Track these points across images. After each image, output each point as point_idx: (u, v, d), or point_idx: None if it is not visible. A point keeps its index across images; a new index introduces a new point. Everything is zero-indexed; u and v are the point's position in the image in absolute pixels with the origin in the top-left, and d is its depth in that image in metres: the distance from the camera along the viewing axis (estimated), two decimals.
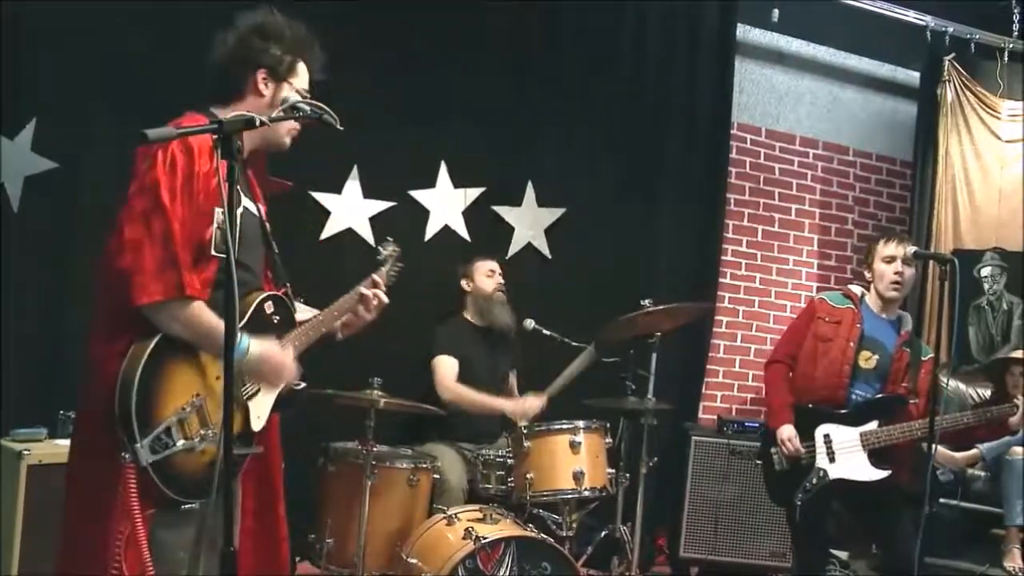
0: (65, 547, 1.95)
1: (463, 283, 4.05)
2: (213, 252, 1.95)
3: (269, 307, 2.14)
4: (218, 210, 1.93)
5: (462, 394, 3.78)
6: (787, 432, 3.32)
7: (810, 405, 3.37)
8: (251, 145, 2.10)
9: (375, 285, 2.47)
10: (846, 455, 3.26)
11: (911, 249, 3.37)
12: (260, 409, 2.14)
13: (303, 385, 2.21)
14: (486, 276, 4.02)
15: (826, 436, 3.30)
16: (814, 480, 3.26)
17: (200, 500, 1.97)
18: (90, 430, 1.94)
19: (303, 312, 2.37)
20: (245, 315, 2.05)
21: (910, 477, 3.39)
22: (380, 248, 2.78)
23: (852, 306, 3.43)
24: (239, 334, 1.95)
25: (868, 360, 3.35)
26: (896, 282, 3.37)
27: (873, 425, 3.27)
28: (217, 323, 1.88)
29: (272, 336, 2.14)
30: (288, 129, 2.17)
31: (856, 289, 3.54)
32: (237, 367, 1.96)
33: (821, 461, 3.28)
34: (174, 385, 1.91)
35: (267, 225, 2.24)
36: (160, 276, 1.86)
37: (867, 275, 3.48)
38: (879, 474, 3.23)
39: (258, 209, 2.21)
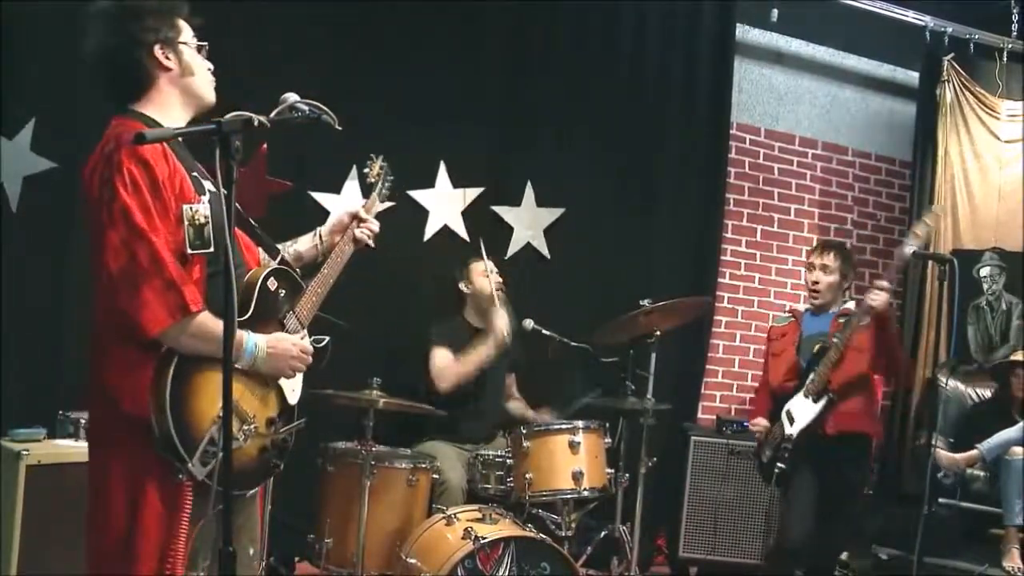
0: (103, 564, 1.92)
1: (461, 285, 4.05)
2: (189, 251, 1.87)
3: (272, 283, 2.11)
4: (186, 206, 1.87)
5: (458, 372, 3.78)
6: (755, 419, 3.80)
7: (777, 396, 3.74)
8: (187, 113, 2.04)
9: (359, 218, 2.44)
10: (798, 411, 3.58)
11: (910, 249, 3.40)
12: (293, 382, 2.15)
13: (327, 340, 2.21)
14: (483, 277, 4.01)
15: (787, 411, 3.62)
16: (785, 445, 3.53)
17: (251, 490, 2.03)
18: (126, 455, 1.89)
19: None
20: (252, 298, 2.03)
21: (878, 431, 3.82)
22: (367, 168, 2.66)
23: (794, 319, 3.85)
24: (246, 335, 1.96)
25: (816, 349, 3.62)
26: (812, 290, 3.73)
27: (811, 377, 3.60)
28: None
29: (285, 310, 2.14)
30: (208, 80, 2.07)
31: (800, 307, 3.99)
32: (255, 369, 1.99)
33: (787, 428, 3.59)
34: (206, 396, 1.89)
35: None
36: (162, 303, 1.81)
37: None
38: (817, 406, 3.50)
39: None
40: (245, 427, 1.96)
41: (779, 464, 3.49)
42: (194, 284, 1.88)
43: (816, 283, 3.71)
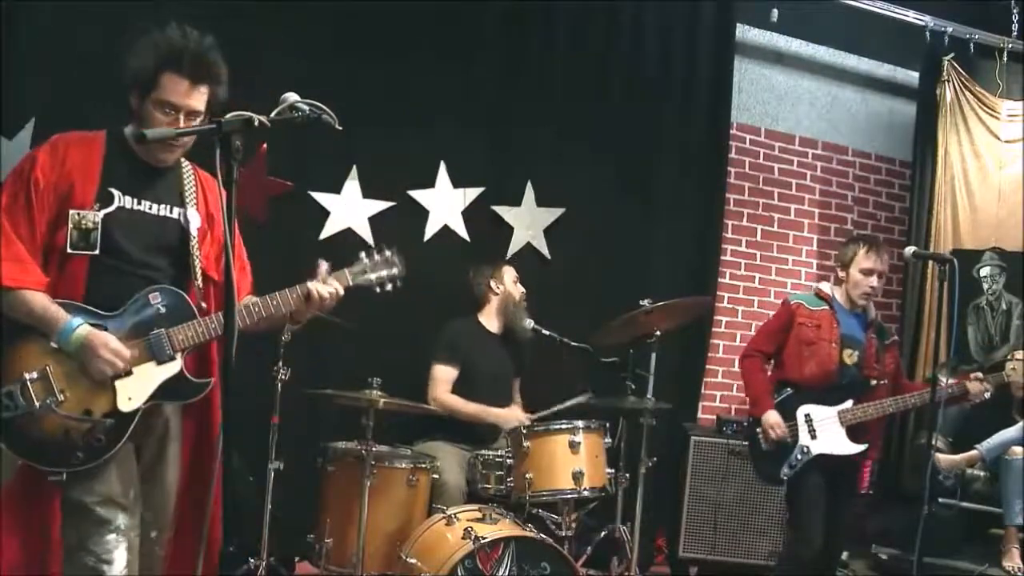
0: None
1: (492, 284, 4.04)
2: (70, 250, 2.07)
3: (155, 297, 2.17)
4: (72, 212, 2.07)
5: (449, 405, 3.80)
6: (773, 418, 3.49)
7: (789, 390, 3.55)
8: (141, 153, 2.21)
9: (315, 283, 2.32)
10: (826, 432, 3.47)
11: (910, 250, 3.45)
12: (132, 391, 2.11)
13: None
14: (514, 282, 4.04)
15: (807, 415, 3.49)
16: (799, 456, 3.46)
17: (62, 469, 2.02)
18: None
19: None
20: (126, 301, 2.14)
21: (881, 453, 3.77)
22: (373, 252, 2.52)
23: (827, 307, 3.60)
24: (73, 317, 2.04)
25: (851, 357, 3.54)
26: (868, 293, 3.59)
27: (848, 403, 3.49)
28: (41, 311, 2.02)
29: (157, 324, 2.15)
30: (150, 147, 2.19)
31: (825, 287, 3.70)
32: (61, 346, 2.04)
33: (804, 439, 3.47)
34: (21, 355, 2.03)
35: (191, 233, 2.25)
36: None
37: (840, 274, 3.64)
38: (857, 448, 3.48)
39: (184, 214, 2.26)
40: (49, 398, 2.02)
41: (786, 472, 3.45)
42: (35, 268, 2.05)
43: (873, 287, 3.56)
